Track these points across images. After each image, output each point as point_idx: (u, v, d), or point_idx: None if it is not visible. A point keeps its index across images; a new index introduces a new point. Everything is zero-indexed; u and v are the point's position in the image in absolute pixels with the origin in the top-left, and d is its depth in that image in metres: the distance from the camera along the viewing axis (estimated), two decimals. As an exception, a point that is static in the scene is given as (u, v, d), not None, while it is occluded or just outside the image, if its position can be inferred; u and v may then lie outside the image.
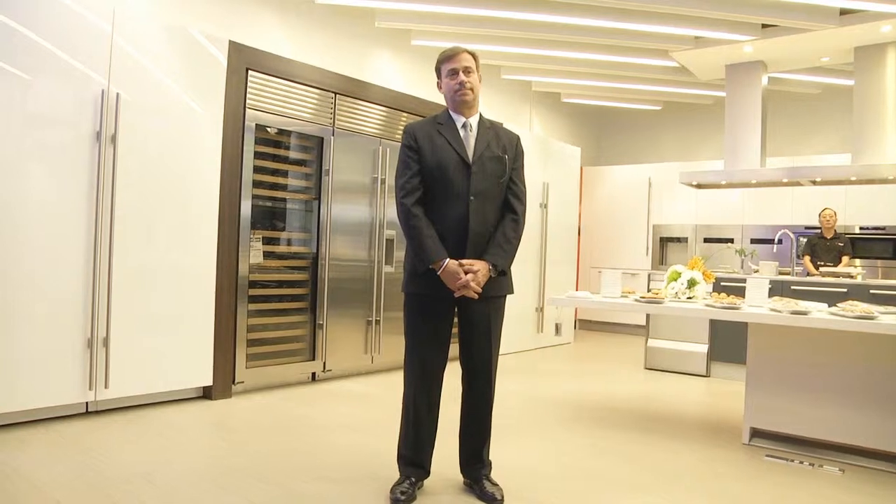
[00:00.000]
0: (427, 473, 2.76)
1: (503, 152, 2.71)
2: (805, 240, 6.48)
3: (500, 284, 2.71)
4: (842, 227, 6.83)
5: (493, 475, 2.77)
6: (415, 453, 2.72)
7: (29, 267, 3.36)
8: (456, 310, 2.71)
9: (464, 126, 2.71)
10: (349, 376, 5.12)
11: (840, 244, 6.20)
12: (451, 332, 2.73)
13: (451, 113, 2.74)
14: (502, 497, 2.65)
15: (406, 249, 2.74)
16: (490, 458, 2.80)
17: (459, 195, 2.62)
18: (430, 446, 2.75)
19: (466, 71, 2.66)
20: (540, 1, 5.28)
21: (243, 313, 4.36)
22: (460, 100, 2.68)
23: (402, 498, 2.61)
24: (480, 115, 2.78)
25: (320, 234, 4.86)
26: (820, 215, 6.28)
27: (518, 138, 2.85)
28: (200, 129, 4.06)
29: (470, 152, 2.67)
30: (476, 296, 2.58)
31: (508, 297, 2.81)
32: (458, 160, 2.64)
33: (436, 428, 2.75)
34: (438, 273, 2.57)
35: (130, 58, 3.72)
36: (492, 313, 2.71)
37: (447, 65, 2.69)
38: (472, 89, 2.68)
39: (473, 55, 2.71)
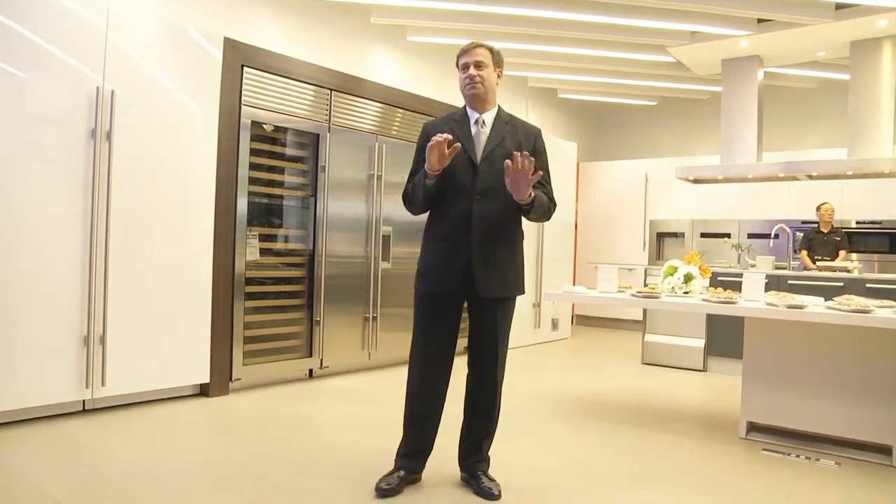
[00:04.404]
0: (418, 471, 2.76)
1: (517, 148, 2.62)
2: (801, 234, 6.48)
3: (511, 284, 2.70)
4: (838, 221, 6.84)
5: (491, 470, 2.78)
6: (414, 440, 2.72)
7: (24, 265, 3.36)
8: (465, 305, 2.72)
9: (476, 122, 2.69)
10: (346, 373, 5.12)
11: (837, 238, 6.22)
12: (457, 326, 2.73)
13: (466, 109, 2.73)
14: (500, 492, 2.65)
15: (421, 251, 2.73)
16: (490, 454, 2.80)
17: (465, 193, 2.60)
18: (431, 438, 2.74)
19: (477, 65, 2.64)
20: (536, -4, 5.26)
21: (240, 310, 4.36)
22: (469, 94, 2.67)
23: (385, 488, 2.63)
24: (499, 109, 2.75)
25: (317, 230, 4.86)
26: (819, 210, 6.29)
27: (538, 132, 2.79)
28: (196, 126, 4.05)
29: (479, 149, 2.65)
30: (530, 168, 2.42)
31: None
32: (465, 158, 2.62)
33: (439, 417, 2.74)
34: (439, 172, 2.53)
35: (125, 54, 3.71)
36: (501, 314, 2.70)
37: (461, 59, 2.69)
38: (481, 83, 2.64)
39: (491, 50, 2.68)
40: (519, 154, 2.42)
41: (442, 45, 6.31)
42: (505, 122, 2.73)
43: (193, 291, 4.06)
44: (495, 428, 2.80)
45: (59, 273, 3.48)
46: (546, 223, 6.95)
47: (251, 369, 4.46)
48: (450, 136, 2.49)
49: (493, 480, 2.71)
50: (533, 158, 2.45)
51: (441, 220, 2.67)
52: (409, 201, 2.74)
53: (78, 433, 3.33)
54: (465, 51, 2.67)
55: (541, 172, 2.49)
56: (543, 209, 2.69)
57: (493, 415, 2.77)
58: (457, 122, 2.71)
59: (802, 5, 5.19)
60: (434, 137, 2.47)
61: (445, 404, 2.77)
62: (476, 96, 2.67)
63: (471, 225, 2.59)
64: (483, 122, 2.69)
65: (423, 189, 2.61)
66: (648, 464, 3.20)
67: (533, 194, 2.55)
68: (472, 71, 2.64)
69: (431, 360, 2.71)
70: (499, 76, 2.73)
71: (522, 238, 2.82)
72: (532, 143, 2.73)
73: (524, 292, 2.81)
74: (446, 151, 2.48)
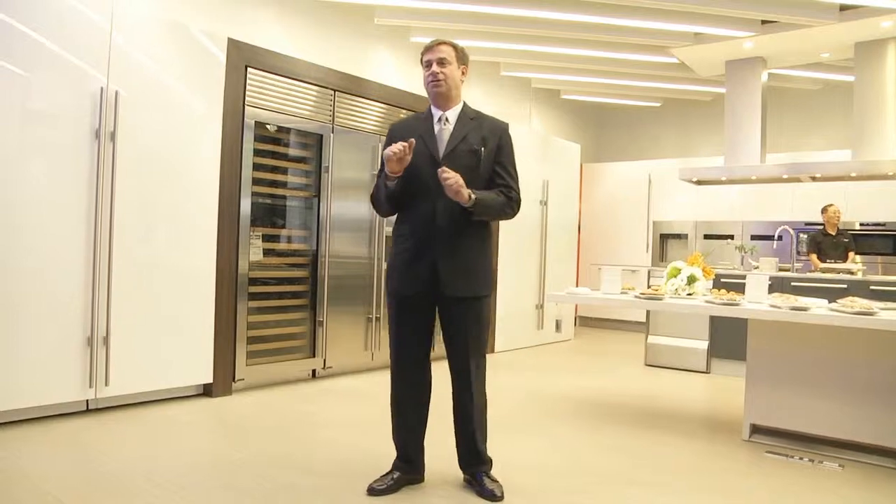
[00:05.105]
0: (417, 472, 2.77)
1: (481, 144, 2.63)
2: (805, 236, 6.46)
3: (480, 283, 2.66)
4: (842, 223, 6.81)
5: (494, 471, 2.77)
6: (401, 440, 2.74)
7: (29, 265, 3.36)
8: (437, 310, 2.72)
9: (439, 120, 2.67)
10: (349, 373, 5.12)
11: (845, 240, 6.19)
12: (430, 327, 2.72)
13: (431, 107, 2.72)
14: (502, 494, 2.65)
15: (390, 251, 2.73)
16: (490, 455, 2.79)
17: (428, 192, 2.57)
18: (417, 438, 2.75)
19: (441, 62, 2.62)
20: (539, -3, 5.27)
21: (243, 311, 4.36)
22: (433, 91, 2.65)
23: (377, 487, 2.65)
24: (464, 105, 2.72)
25: (320, 231, 4.86)
26: (826, 211, 6.23)
27: (504, 128, 2.75)
28: (200, 127, 4.06)
29: (442, 147, 2.63)
30: (453, 181, 2.44)
31: (505, 295, 2.79)
32: (427, 156, 2.61)
33: (421, 417, 2.75)
34: (400, 174, 2.54)
35: (129, 55, 3.72)
36: (470, 314, 2.65)
37: (424, 56, 2.67)
38: (444, 80, 2.62)
39: (455, 48, 2.67)
40: (440, 170, 2.45)
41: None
42: (470, 118, 2.70)
43: (197, 291, 4.07)
44: (484, 429, 2.76)
45: (62, 273, 3.49)
46: (550, 223, 6.98)
47: (254, 369, 4.46)
48: (401, 149, 2.47)
49: (495, 482, 2.70)
50: (444, 169, 2.45)
51: (406, 219, 2.67)
52: (376, 203, 2.74)
53: (81, 433, 3.34)
54: (429, 48, 2.65)
55: (450, 175, 2.45)
56: (495, 210, 2.64)
57: (476, 417, 2.71)
58: (421, 121, 2.71)
59: (806, 6, 5.18)
60: (387, 150, 2.48)
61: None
62: (439, 94, 2.65)
63: (434, 223, 2.58)
64: (446, 119, 2.67)
65: (384, 191, 2.62)
66: (651, 465, 3.20)
67: (475, 197, 2.51)
68: (435, 68, 2.62)
69: (407, 362, 2.71)
70: (463, 73, 2.70)
71: (490, 235, 2.78)
72: (498, 137, 2.69)
73: (489, 293, 2.76)
74: (404, 156, 2.48)
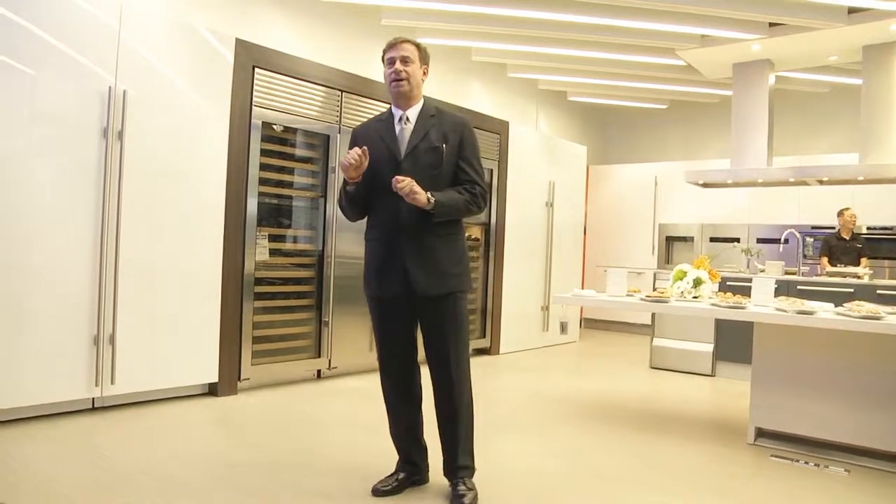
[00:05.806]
0: (420, 473, 2.76)
1: (442, 141, 2.59)
2: (811, 239, 6.44)
3: (452, 280, 2.61)
4: (850, 227, 6.81)
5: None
6: (399, 442, 2.74)
7: (36, 263, 3.38)
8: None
9: (400, 119, 2.65)
10: (354, 374, 5.12)
11: (858, 245, 6.12)
12: (412, 329, 2.69)
13: (392, 107, 2.70)
14: (472, 502, 2.53)
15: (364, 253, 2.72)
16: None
17: (392, 193, 2.49)
18: (415, 439, 2.74)
19: (403, 60, 2.59)
20: (546, -1, 5.27)
21: (249, 310, 4.37)
22: (394, 90, 2.62)
23: (380, 488, 2.65)
24: (424, 103, 2.69)
25: (326, 231, 4.87)
26: (842, 215, 6.18)
27: (464, 123, 2.69)
28: (207, 127, 4.07)
29: (403, 147, 2.60)
30: (407, 188, 2.43)
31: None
32: (388, 157, 2.59)
33: (415, 418, 2.74)
34: (358, 180, 2.54)
35: (137, 55, 3.74)
36: (446, 312, 2.60)
37: (387, 54, 2.64)
38: (406, 79, 2.59)
39: (418, 47, 2.65)
40: (394, 180, 2.45)
41: (451, 48, 6.31)
42: (430, 115, 2.66)
43: (203, 291, 4.08)
44: (466, 434, 2.65)
45: (69, 271, 3.51)
46: (555, 225, 6.98)
47: (260, 369, 4.47)
48: (357, 158, 2.47)
49: (470, 490, 2.58)
50: (397, 178, 2.44)
51: (374, 222, 2.66)
52: (342, 209, 2.72)
53: (87, 431, 3.35)
54: (392, 45, 2.62)
55: (403, 182, 2.43)
56: (458, 209, 2.59)
57: (458, 422, 2.62)
58: (383, 122, 2.69)
59: (815, 9, 5.17)
60: (343, 160, 2.49)
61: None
62: (400, 93, 2.62)
63: (401, 224, 2.56)
64: (407, 118, 2.64)
65: (345, 195, 2.62)
66: (655, 468, 3.20)
67: (433, 200, 2.48)
68: (398, 66, 2.58)
69: (393, 366, 2.70)
70: (424, 73, 2.68)
71: (461, 230, 2.71)
72: (459, 133, 2.65)
73: (470, 287, 2.71)
74: (361, 164, 2.48)
